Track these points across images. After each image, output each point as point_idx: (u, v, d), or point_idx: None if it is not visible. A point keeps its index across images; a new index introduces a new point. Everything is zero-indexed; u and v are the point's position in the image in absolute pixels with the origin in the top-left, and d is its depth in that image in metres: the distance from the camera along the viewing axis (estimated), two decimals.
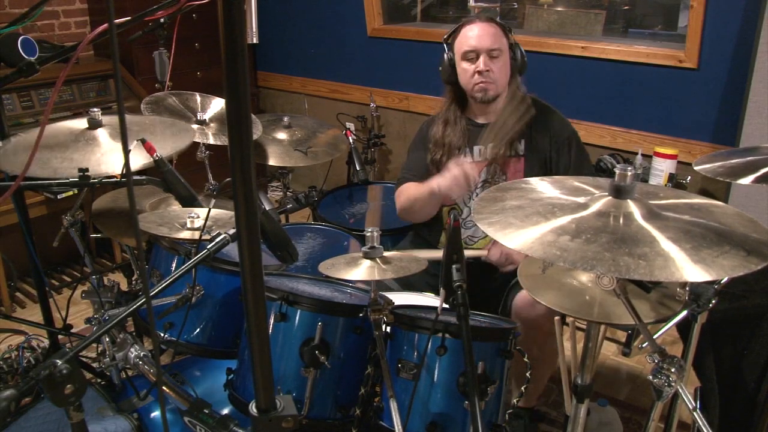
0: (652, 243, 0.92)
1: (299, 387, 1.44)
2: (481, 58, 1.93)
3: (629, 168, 1.04)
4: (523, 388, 1.42)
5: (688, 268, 0.88)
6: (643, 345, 1.09)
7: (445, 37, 2.04)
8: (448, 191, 1.84)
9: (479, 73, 1.93)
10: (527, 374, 1.42)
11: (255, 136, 2.31)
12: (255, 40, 1.26)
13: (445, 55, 2.03)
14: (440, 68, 2.05)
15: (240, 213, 0.70)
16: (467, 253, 1.80)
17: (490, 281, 2.02)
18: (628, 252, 0.90)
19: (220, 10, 0.62)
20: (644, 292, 1.17)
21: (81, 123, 1.63)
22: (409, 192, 2.06)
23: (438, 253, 1.82)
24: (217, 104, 2.31)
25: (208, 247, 1.25)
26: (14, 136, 1.63)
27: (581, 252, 0.91)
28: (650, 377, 1.05)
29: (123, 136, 0.63)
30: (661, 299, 1.20)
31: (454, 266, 1.25)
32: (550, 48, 3.08)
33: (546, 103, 2.07)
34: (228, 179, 0.74)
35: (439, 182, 1.86)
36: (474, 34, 1.94)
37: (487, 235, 2.01)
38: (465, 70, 1.97)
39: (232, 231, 1.28)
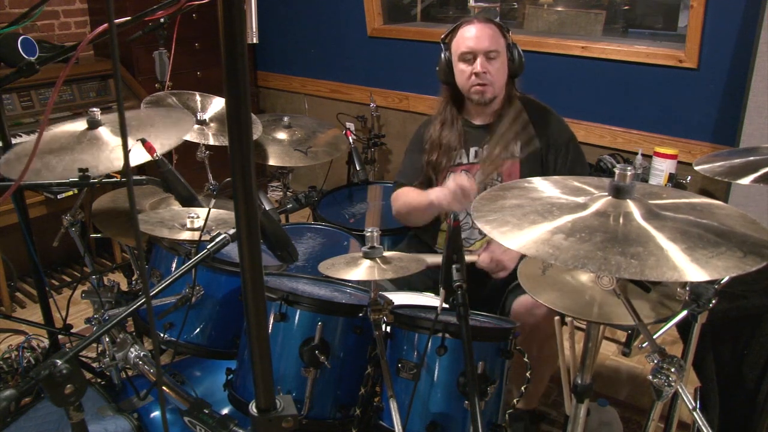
0: (646, 242, 0.93)
1: (299, 387, 1.44)
2: (479, 60, 1.91)
3: (629, 168, 1.04)
4: (523, 388, 1.42)
5: (681, 268, 0.88)
6: (643, 345, 1.09)
7: (443, 36, 2.02)
8: (447, 206, 1.82)
9: (476, 75, 1.91)
10: (527, 374, 1.42)
11: (255, 136, 2.31)
12: (255, 40, 1.25)
13: (443, 55, 2.00)
14: (437, 68, 2.03)
15: (240, 213, 0.70)
16: None
17: (488, 283, 2.02)
18: (620, 251, 0.90)
19: (220, 10, 0.62)
20: (644, 291, 1.17)
21: (80, 125, 1.61)
22: (407, 198, 2.05)
23: (437, 258, 1.82)
24: (217, 104, 2.31)
25: (208, 247, 1.25)
26: (16, 139, 1.62)
27: (573, 250, 0.91)
28: (650, 377, 1.05)
29: (123, 136, 0.63)
30: (661, 299, 1.20)
31: (454, 266, 1.25)
32: (550, 48, 3.08)
33: (544, 105, 2.05)
34: (228, 179, 0.74)
35: (438, 196, 1.84)
36: (471, 35, 1.92)
37: (482, 238, 2.01)
38: (462, 71, 1.95)
39: (232, 231, 1.28)
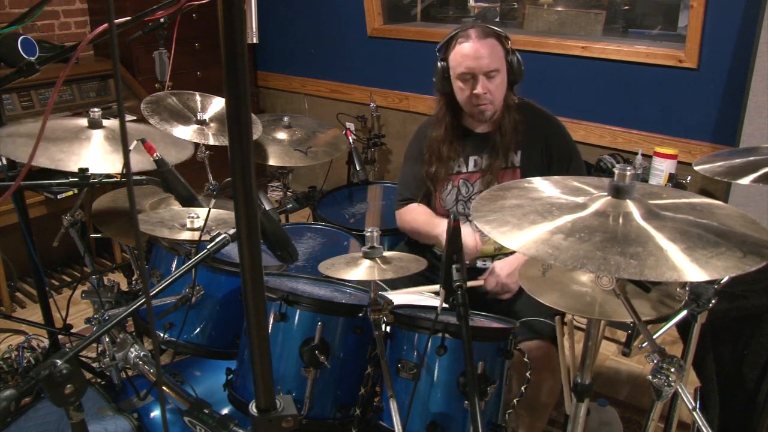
0: (646, 242, 0.93)
1: (299, 387, 1.44)
2: (479, 81, 1.83)
3: (628, 168, 1.04)
4: (523, 388, 1.42)
5: (680, 268, 0.88)
6: (643, 345, 1.09)
7: (438, 47, 1.93)
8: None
9: (477, 96, 1.84)
10: (527, 374, 1.42)
11: (255, 136, 2.30)
12: (255, 40, 1.25)
13: (439, 65, 1.91)
14: (434, 78, 1.95)
15: (240, 213, 0.70)
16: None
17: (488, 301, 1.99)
18: (620, 251, 0.91)
19: (220, 10, 0.62)
20: (644, 291, 1.17)
21: (81, 121, 1.63)
22: (415, 220, 2.04)
23: (430, 299, 1.79)
24: (217, 104, 2.31)
25: (208, 247, 1.25)
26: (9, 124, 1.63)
27: (573, 250, 0.91)
28: (650, 377, 1.05)
29: (123, 136, 0.63)
30: (661, 299, 1.20)
31: (454, 266, 1.25)
32: (550, 48, 3.08)
33: (545, 111, 2.01)
34: (228, 179, 0.74)
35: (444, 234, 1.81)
36: (470, 54, 1.82)
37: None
38: (461, 89, 1.88)
39: (232, 231, 1.28)
